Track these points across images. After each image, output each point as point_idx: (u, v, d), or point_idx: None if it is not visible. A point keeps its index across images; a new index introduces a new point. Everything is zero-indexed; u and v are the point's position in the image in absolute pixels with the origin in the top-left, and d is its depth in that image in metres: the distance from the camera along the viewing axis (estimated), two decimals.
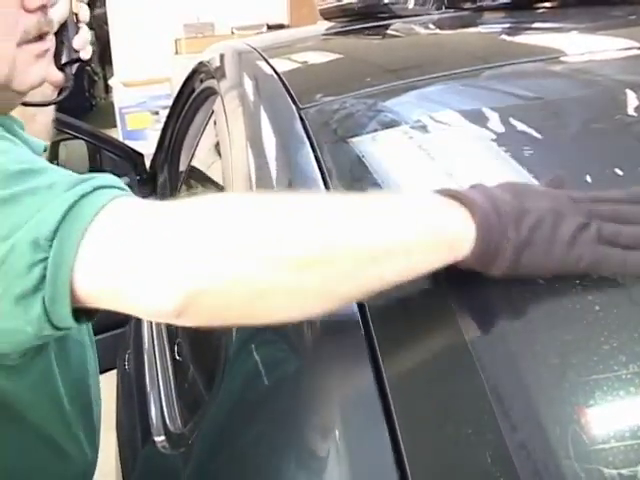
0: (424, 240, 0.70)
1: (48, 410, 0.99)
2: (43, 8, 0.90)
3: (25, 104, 1.11)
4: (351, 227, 0.68)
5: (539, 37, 1.61)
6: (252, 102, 1.27)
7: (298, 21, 6.25)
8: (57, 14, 1.16)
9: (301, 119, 1.09)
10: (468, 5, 1.75)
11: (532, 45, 1.50)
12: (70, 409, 1.02)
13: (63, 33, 1.17)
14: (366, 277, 0.69)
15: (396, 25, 1.64)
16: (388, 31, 1.63)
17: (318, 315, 0.73)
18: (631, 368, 0.67)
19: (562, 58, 1.30)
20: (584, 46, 1.40)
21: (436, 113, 1.09)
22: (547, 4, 1.78)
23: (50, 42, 0.94)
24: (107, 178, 0.76)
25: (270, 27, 6.52)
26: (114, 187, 0.75)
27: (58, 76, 1.19)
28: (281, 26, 6.50)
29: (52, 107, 1.28)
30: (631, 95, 1.10)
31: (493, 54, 1.37)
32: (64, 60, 1.17)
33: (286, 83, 1.23)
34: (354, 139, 1.03)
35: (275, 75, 1.30)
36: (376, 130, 1.04)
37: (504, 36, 1.63)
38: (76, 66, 1.23)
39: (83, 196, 0.71)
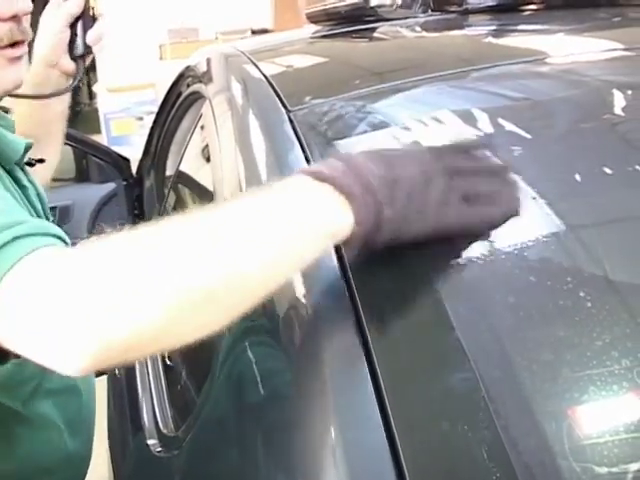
0: (312, 239, 0.72)
1: None
2: (15, 17, 0.92)
3: (40, 97, 1.16)
4: (247, 247, 0.68)
5: (525, 39, 1.62)
6: (241, 105, 1.27)
7: (282, 26, 6.26)
8: (72, 8, 1.19)
9: (290, 121, 1.09)
10: (454, 8, 1.76)
11: (518, 47, 1.51)
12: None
13: (78, 26, 1.20)
14: (263, 287, 0.70)
15: (383, 28, 1.65)
16: (375, 34, 1.64)
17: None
18: (624, 364, 0.68)
19: (547, 60, 1.31)
20: (569, 48, 1.41)
21: (423, 114, 1.09)
22: (533, 6, 1.79)
23: (23, 49, 0.95)
24: (33, 225, 0.75)
25: (254, 32, 6.51)
26: (36, 235, 0.74)
27: (71, 66, 1.24)
28: (265, 31, 6.50)
29: (67, 94, 1.30)
30: (616, 96, 1.11)
31: (479, 56, 1.38)
32: (78, 53, 1.21)
33: (274, 86, 1.23)
34: (343, 141, 1.03)
35: (263, 78, 1.30)
36: (365, 132, 1.04)
37: (490, 38, 1.64)
38: (90, 57, 1.25)
39: (1, 247, 0.71)
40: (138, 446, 1.24)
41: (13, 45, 0.93)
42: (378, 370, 0.70)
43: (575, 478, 0.62)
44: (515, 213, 0.80)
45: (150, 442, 1.17)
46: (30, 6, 0.96)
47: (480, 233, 0.79)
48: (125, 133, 6.33)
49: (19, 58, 0.94)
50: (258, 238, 0.69)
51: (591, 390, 0.67)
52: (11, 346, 0.71)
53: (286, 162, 1.01)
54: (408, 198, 0.74)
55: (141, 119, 6.26)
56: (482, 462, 0.63)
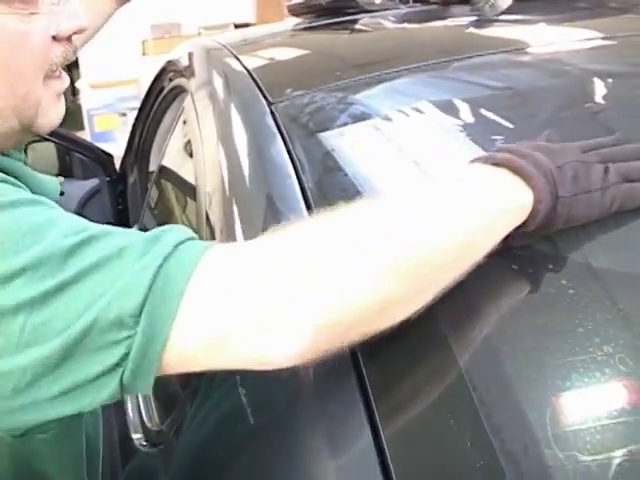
0: (495, 217, 0.74)
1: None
2: (70, 37, 0.84)
3: None
4: (447, 221, 0.71)
5: (506, 29, 1.62)
6: (222, 99, 1.27)
7: (265, 20, 6.24)
8: None
9: (272, 114, 1.09)
10: None
11: (498, 37, 1.51)
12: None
13: None
14: (464, 260, 0.72)
15: (364, 20, 1.65)
16: (356, 26, 1.63)
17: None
18: (605, 350, 0.69)
19: (528, 49, 1.32)
20: (550, 37, 1.41)
21: (405, 105, 1.09)
22: None
23: (67, 78, 0.87)
24: (179, 230, 0.71)
25: (237, 26, 6.50)
26: (189, 238, 0.70)
27: None
28: (248, 25, 6.48)
29: None
30: (597, 84, 1.12)
31: (460, 46, 1.38)
32: None
33: (256, 79, 1.23)
34: (325, 132, 1.03)
35: (245, 71, 1.30)
36: (347, 123, 1.04)
37: (471, 29, 1.64)
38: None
39: (166, 259, 0.66)
40: (123, 440, 1.24)
41: (58, 75, 0.84)
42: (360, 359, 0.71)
43: (558, 466, 0.63)
44: None
45: (135, 436, 1.17)
46: (87, 22, 0.86)
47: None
48: (108, 129, 6.31)
49: (64, 90, 0.87)
50: (449, 214, 0.71)
51: (574, 379, 0.68)
52: (199, 354, 0.67)
53: (268, 155, 1.01)
54: (575, 181, 0.77)
55: (124, 115, 6.24)
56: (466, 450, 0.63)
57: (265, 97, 1.15)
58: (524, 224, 0.76)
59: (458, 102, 1.10)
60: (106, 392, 0.66)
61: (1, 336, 0.63)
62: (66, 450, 0.92)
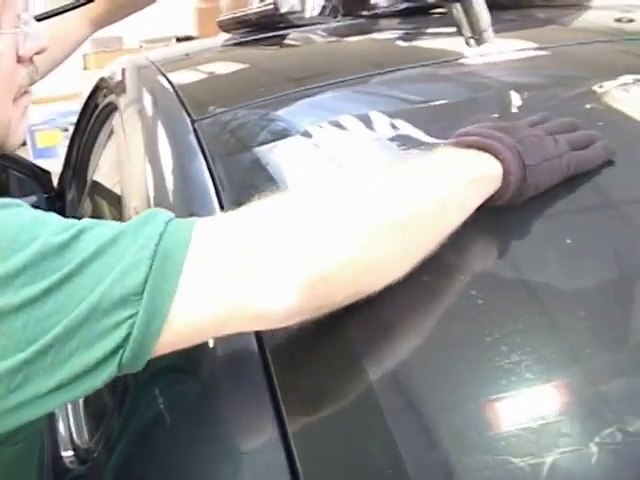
0: (472, 185, 0.81)
1: None
2: (32, 57, 0.84)
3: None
4: (421, 188, 0.78)
5: (434, 42, 1.64)
6: (149, 117, 1.27)
7: (206, 33, 6.23)
8: None
9: (195, 131, 1.10)
10: (364, 12, 1.78)
11: (427, 49, 1.54)
12: None
13: None
14: (440, 225, 0.78)
15: (293, 34, 1.66)
16: (284, 41, 1.65)
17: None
18: (512, 358, 0.71)
19: (456, 61, 1.34)
20: (477, 49, 1.44)
21: (328, 120, 1.11)
22: (442, 9, 1.81)
23: (32, 91, 0.87)
24: (163, 211, 0.72)
25: (179, 39, 6.48)
26: (173, 217, 0.72)
27: None
28: (189, 38, 6.47)
29: None
30: (522, 95, 1.14)
31: (387, 60, 1.40)
32: None
33: (181, 96, 1.24)
34: (247, 149, 1.05)
35: (171, 89, 1.30)
36: (268, 139, 1.05)
37: (399, 42, 1.67)
38: None
39: (161, 236, 0.68)
40: (54, 459, 1.23)
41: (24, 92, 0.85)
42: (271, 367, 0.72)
43: (465, 470, 0.64)
44: (611, 150, 0.94)
45: (65, 454, 1.16)
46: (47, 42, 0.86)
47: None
48: (51, 145, 6.23)
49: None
50: (423, 185, 0.78)
51: (481, 385, 0.70)
52: (204, 322, 0.69)
53: (189, 172, 1.02)
54: (535, 151, 0.86)
55: (66, 130, 6.17)
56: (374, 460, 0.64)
57: (189, 114, 1.16)
58: (499, 196, 0.84)
59: (382, 116, 1.11)
60: (103, 376, 0.66)
61: (3, 336, 0.63)
62: (27, 465, 0.92)
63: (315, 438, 0.69)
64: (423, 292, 0.78)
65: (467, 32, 1.00)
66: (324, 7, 1.76)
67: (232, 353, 0.79)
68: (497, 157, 0.82)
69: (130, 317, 0.65)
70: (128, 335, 0.65)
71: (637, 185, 0.94)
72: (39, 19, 0.96)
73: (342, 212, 0.73)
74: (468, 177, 0.81)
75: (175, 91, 1.27)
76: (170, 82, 1.34)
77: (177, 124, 1.15)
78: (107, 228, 0.69)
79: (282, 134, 1.07)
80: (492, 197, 0.84)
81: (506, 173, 0.82)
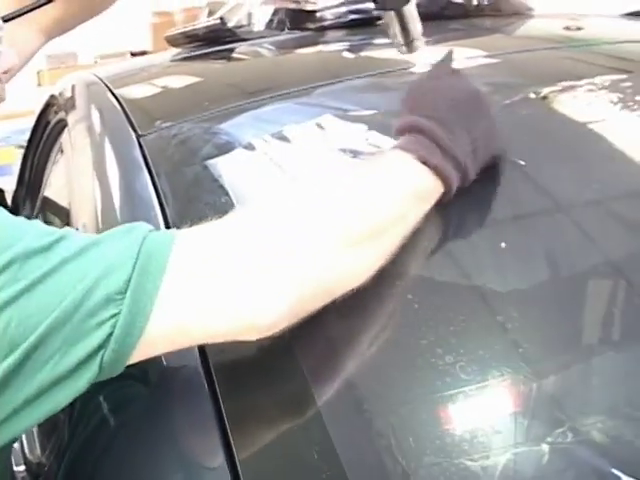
0: (421, 201, 0.84)
1: None
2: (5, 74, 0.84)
3: None
4: (383, 200, 0.80)
5: (380, 52, 1.66)
6: (97, 133, 1.28)
7: (161, 47, 6.22)
8: None
9: (140, 146, 1.11)
10: (310, 25, 1.79)
11: (373, 60, 1.56)
12: None
13: None
14: (398, 233, 0.80)
15: (240, 48, 1.67)
16: (232, 54, 1.66)
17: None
18: (447, 360, 0.73)
19: (405, 70, 1.36)
20: (423, 59, 1.46)
21: (274, 133, 1.12)
22: None
23: None
24: (145, 223, 0.74)
25: (133, 54, 6.46)
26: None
27: None
28: (144, 53, 6.45)
29: None
30: None
31: (333, 71, 1.41)
32: None
33: (127, 112, 1.25)
34: (192, 163, 1.06)
35: (118, 105, 1.31)
36: (213, 153, 1.07)
37: (346, 53, 1.68)
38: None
39: (144, 240, 0.69)
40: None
41: None
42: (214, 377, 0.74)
43: (403, 476, 0.66)
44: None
45: (17, 469, 1.16)
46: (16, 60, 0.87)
47: None
48: (6, 162, 6.16)
49: None
50: (388, 198, 0.81)
51: (418, 388, 0.71)
52: (183, 328, 0.69)
53: (134, 187, 1.03)
54: (486, 150, 0.89)
55: (22, 147, 6.11)
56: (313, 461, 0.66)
57: (134, 129, 1.17)
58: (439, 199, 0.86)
59: (328, 126, 1.13)
60: (84, 380, 0.66)
61: None
62: None
63: (255, 439, 0.70)
64: (361, 299, 0.80)
65: (398, 40, 1.03)
66: (271, 21, 1.78)
67: (177, 364, 0.80)
68: (442, 179, 0.84)
69: (113, 316, 0.65)
70: (110, 335, 0.65)
71: (581, 185, 0.97)
72: (6, 19, 0.96)
73: (320, 218, 0.76)
74: (414, 196, 0.83)
75: (122, 107, 1.28)
76: (117, 98, 1.34)
77: (123, 140, 1.16)
78: (89, 235, 0.71)
79: (227, 147, 1.08)
80: None
81: (449, 192, 0.85)
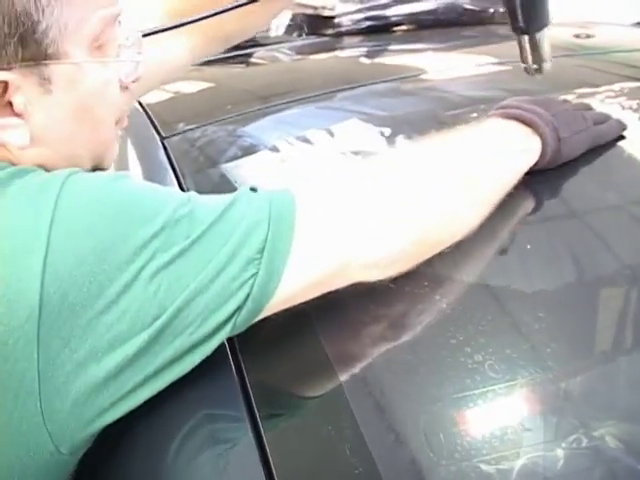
0: (519, 155, 0.92)
1: None
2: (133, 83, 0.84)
3: None
4: (482, 154, 0.87)
5: (396, 58, 1.67)
6: (119, 135, 1.29)
7: None
8: None
9: (164, 148, 1.12)
10: (328, 31, 1.80)
11: (389, 65, 1.57)
12: None
13: None
14: (499, 186, 0.87)
15: (259, 53, 1.69)
16: (251, 59, 1.67)
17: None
18: (476, 358, 0.73)
19: (419, 77, 1.37)
20: (439, 65, 1.47)
21: (296, 135, 1.13)
22: (403, 27, 1.85)
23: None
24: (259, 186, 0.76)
25: None
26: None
27: None
28: None
29: None
30: (482, 107, 1.17)
31: (351, 76, 1.42)
32: None
33: (150, 114, 1.26)
34: (216, 164, 1.07)
35: (140, 107, 1.32)
36: (236, 155, 1.08)
37: (362, 59, 1.70)
38: None
39: (271, 201, 0.71)
40: None
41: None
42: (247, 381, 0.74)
43: (435, 473, 0.66)
44: (624, 126, 1.05)
45: None
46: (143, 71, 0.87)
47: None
48: None
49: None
50: (490, 158, 0.88)
51: (448, 388, 0.72)
52: (313, 277, 0.72)
53: None
54: (567, 125, 0.96)
55: None
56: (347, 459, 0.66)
57: (158, 132, 1.18)
58: (535, 164, 0.93)
59: (348, 130, 1.14)
60: (217, 340, 0.69)
61: (136, 300, 0.64)
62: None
63: (288, 438, 0.71)
64: (392, 298, 0.81)
65: (529, 61, 1.05)
66: (289, 26, 1.79)
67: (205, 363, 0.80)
68: (537, 131, 0.92)
69: (251, 277, 0.68)
70: (248, 295, 0.68)
71: (597, 193, 0.98)
72: (145, 35, 0.94)
73: (430, 170, 0.82)
74: (516, 148, 0.91)
75: (144, 110, 1.29)
76: (139, 101, 1.35)
77: (147, 142, 1.17)
78: (219, 197, 0.72)
79: (250, 149, 1.09)
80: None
81: (544, 145, 0.93)
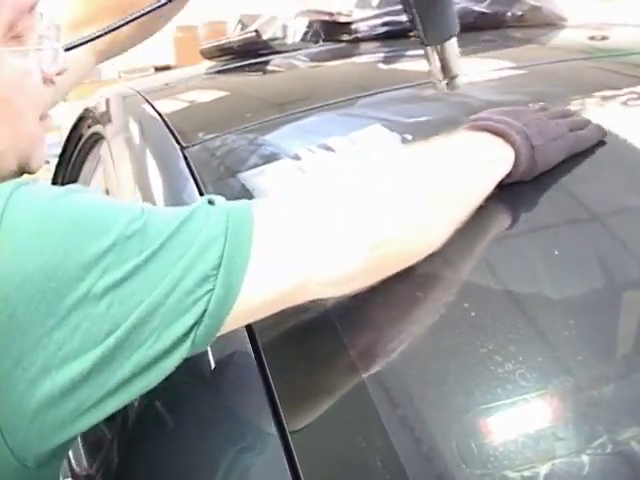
0: (490, 167, 0.90)
1: None
2: (57, 75, 0.84)
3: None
4: (452, 167, 0.86)
5: (414, 63, 1.66)
6: (137, 145, 1.29)
7: (185, 62, 6.24)
8: None
9: (185, 158, 1.12)
10: (345, 37, 1.80)
11: (408, 71, 1.56)
12: None
13: None
14: (470, 201, 0.86)
15: (275, 60, 1.68)
16: (268, 67, 1.67)
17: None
18: (507, 367, 0.73)
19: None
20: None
21: (317, 143, 1.13)
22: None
23: (52, 116, 0.87)
24: (218, 198, 0.75)
25: (157, 69, 6.50)
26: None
27: None
28: (168, 67, 6.49)
29: None
30: None
31: (370, 83, 1.42)
32: None
33: (169, 124, 1.26)
34: (237, 173, 1.06)
35: (158, 117, 1.32)
36: (257, 164, 1.07)
37: (381, 65, 1.69)
38: None
39: (228, 213, 0.70)
40: None
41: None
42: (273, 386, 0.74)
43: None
44: (604, 131, 1.03)
45: None
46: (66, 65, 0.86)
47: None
48: (33, 177, 6.23)
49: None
50: (459, 168, 0.87)
51: (479, 398, 0.71)
52: (274, 292, 0.71)
53: (181, 198, 1.04)
54: (540, 133, 0.94)
55: (47, 162, 6.13)
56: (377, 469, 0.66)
57: (178, 142, 1.17)
58: (510, 174, 0.92)
59: (368, 138, 1.13)
60: (177, 357, 0.67)
61: (87, 318, 0.63)
62: None
63: (318, 450, 0.70)
64: (417, 304, 0.81)
65: (438, 77, 1.01)
66: (305, 33, 1.78)
67: (228, 358, 0.80)
68: (508, 140, 0.91)
69: (207, 293, 0.66)
70: (204, 311, 0.67)
71: (622, 194, 0.97)
72: (68, 49, 0.95)
73: (392, 184, 0.81)
74: (487, 159, 0.90)
75: (163, 119, 1.29)
76: (157, 111, 1.35)
77: (167, 152, 1.17)
78: (176, 209, 0.71)
79: (271, 158, 1.09)
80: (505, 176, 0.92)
81: (517, 154, 0.91)
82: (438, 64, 1.00)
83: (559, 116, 1.01)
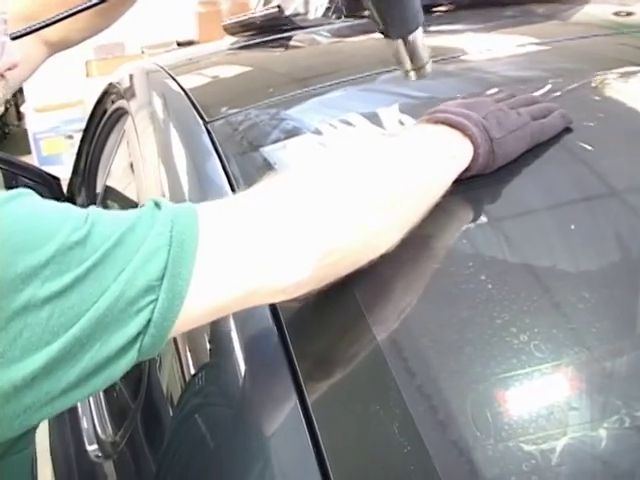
0: (447, 161, 0.89)
1: None
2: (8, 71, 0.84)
3: None
4: (407, 166, 0.85)
5: (435, 39, 1.67)
6: (161, 119, 1.30)
7: (208, 37, 6.23)
8: None
9: (208, 132, 1.13)
10: (367, 13, 1.80)
11: (431, 47, 1.56)
12: None
13: None
14: (426, 200, 0.85)
15: (298, 36, 1.69)
16: (290, 42, 1.68)
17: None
18: (522, 338, 0.74)
19: (459, 58, 1.36)
20: (479, 46, 1.46)
21: (339, 118, 1.13)
22: (442, 8, 1.84)
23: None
24: (161, 199, 0.73)
25: (180, 44, 6.50)
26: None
27: None
28: (191, 43, 6.48)
29: None
30: (525, 88, 1.17)
31: (391, 58, 1.42)
32: None
33: (192, 99, 1.27)
34: (259, 148, 1.08)
35: (182, 92, 1.33)
36: (280, 138, 1.08)
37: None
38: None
39: (173, 222, 0.68)
40: (78, 453, 1.26)
41: None
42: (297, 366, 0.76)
43: (480, 449, 0.67)
44: (569, 119, 1.02)
45: (90, 448, 1.19)
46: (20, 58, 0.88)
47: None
48: (55, 152, 6.26)
49: None
50: (412, 163, 0.86)
51: (494, 368, 0.73)
52: (219, 302, 0.71)
53: (205, 172, 1.05)
54: (500, 125, 0.93)
55: (71, 137, 6.18)
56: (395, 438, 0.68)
57: (201, 116, 1.19)
58: (469, 168, 0.91)
59: (390, 113, 1.14)
60: (123, 365, 0.67)
61: (28, 328, 0.63)
62: (25, 473, 0.93)
63: (337, 418, 0.72)
64: (437, 278, 0.82)
65: (407, 67, 1.01)
66: (327, 8, 1.79)
67: (250, 335, 0.82)
68: (465, 133, 0.89)
69: (151, 303, 0.66)
70: (149, 321, 0.66)
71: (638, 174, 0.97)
72: (15, 37, 0.97)
73: (343, 188, 0.79)
74: (444, 154, 0.89)
75: (187, 94, 1.30)
76: (181, 86, 1.37)
77: (190, 126, 1.18)
78: (121, 216, 0.70)
79: (293, 132, 1.10)
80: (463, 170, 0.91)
81: (474, 147, 0.90)
82: (406, 56, 0.99)
83: (522, 105, 1.00)
